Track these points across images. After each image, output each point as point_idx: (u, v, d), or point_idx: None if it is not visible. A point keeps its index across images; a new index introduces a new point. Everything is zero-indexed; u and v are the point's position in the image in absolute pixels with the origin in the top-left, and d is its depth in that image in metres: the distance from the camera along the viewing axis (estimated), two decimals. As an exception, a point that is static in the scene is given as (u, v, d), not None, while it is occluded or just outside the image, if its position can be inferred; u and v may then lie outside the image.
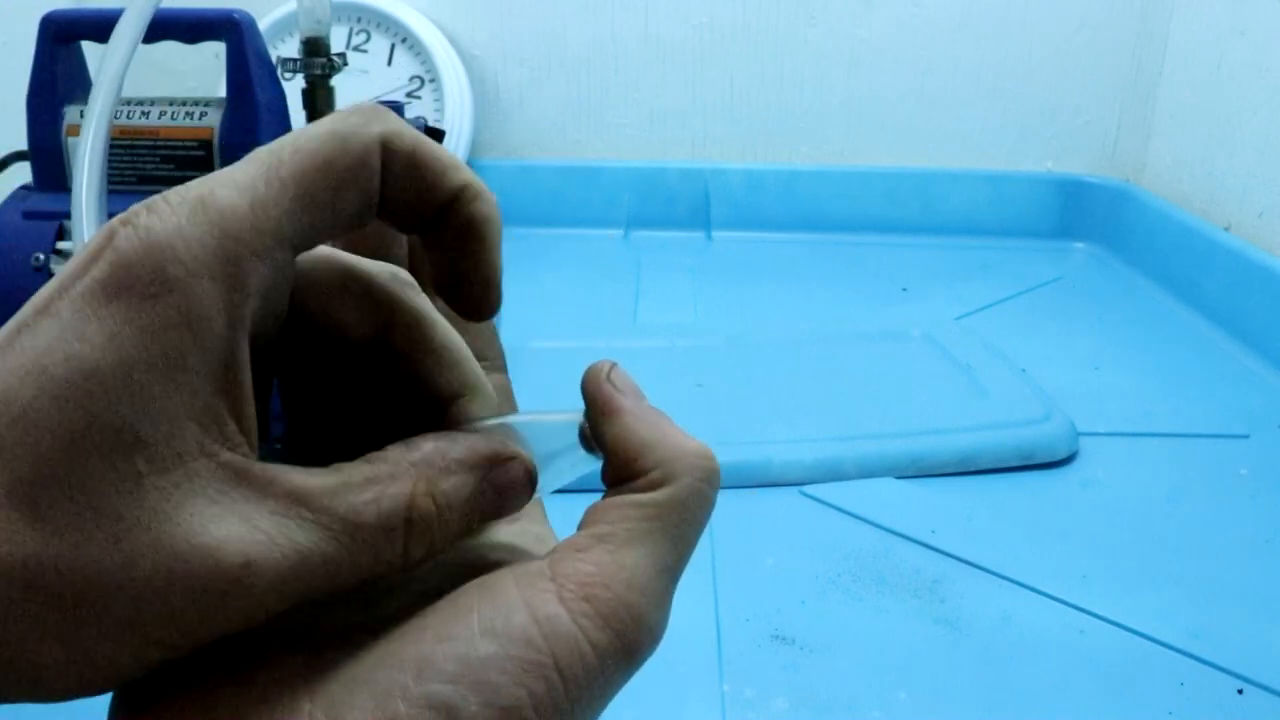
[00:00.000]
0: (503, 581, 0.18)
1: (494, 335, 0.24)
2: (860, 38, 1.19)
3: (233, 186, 0.16)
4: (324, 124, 0.18)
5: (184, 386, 0.15)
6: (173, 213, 0.16)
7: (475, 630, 0.17)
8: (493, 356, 0.24)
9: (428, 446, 0.18)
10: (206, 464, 0.16)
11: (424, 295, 0.20)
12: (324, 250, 0.20)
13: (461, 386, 0.20)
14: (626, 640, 0.17)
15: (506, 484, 0.19)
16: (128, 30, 0.50)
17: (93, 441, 0.15)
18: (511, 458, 0.19)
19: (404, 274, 0.20)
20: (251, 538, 0.16)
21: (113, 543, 0.15)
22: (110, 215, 0.51)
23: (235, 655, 0.17)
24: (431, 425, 0.19)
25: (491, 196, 0.19)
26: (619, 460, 0.19)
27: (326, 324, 0.20)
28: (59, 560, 0.15)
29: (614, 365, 0.21)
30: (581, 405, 0.20)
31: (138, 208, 0.16)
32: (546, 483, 0.20)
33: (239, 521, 0.16)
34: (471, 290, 0.20)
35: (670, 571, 0.19)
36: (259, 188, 0.16)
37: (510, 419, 0.20)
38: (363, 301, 0.19)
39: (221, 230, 0.16)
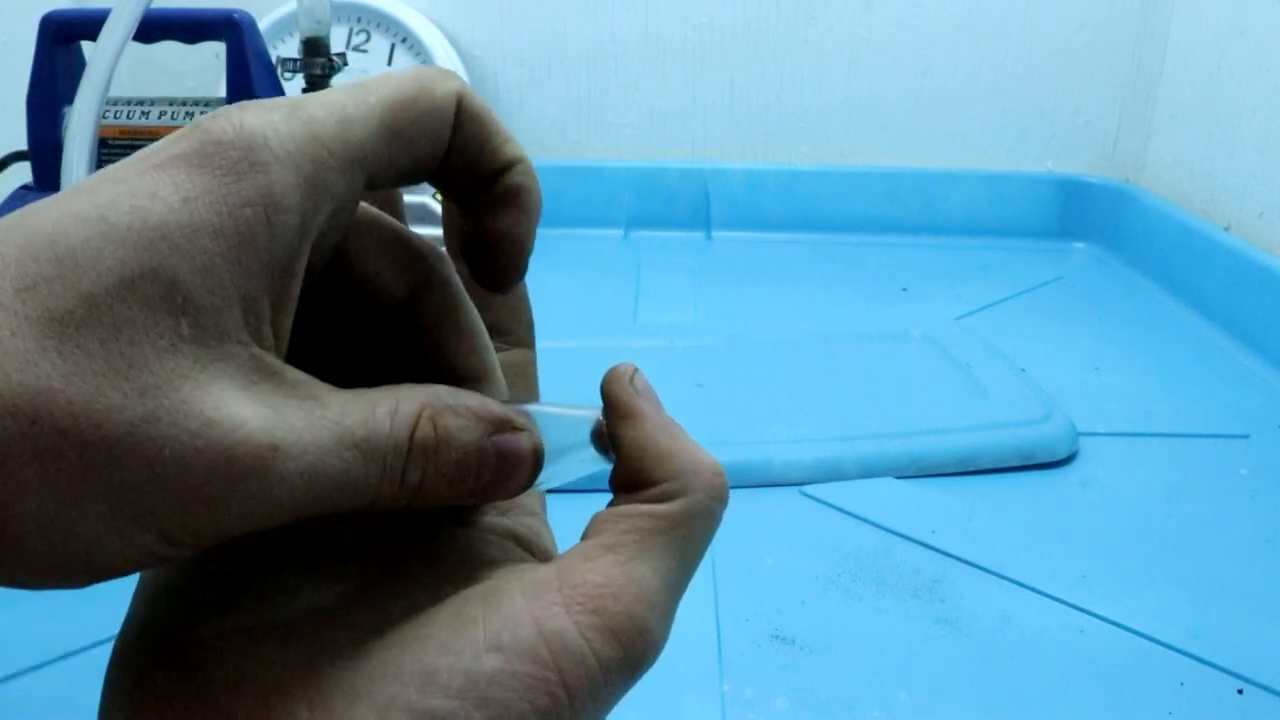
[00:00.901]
0: (508, 591, 0.17)
1: (525, 308, 0.24)
2: (860, 38, 1.19)
3: (322, 105, 0.17)
4: (406, 71, 0.18)
5: (245, 269, 0.15)
6: (265, 111, 0.16)
7: (480, 644, 0.16)
8: (522, 331, 0.24)
9: (440, 388, 0.18)
10: (242, 351, 0.15)
11: (458, 276, 0.21)
12: (373, 210, 0.20)
13: (478, 371, 0.20)
14: (632, 653, 0.17)
15: (511, 452, 0.18)
16: (116, 29, 0.50)
17: (142, 289, 0.14)
18: (521, 429, 0.19)
19: (442, 251, 0.21)
20: (280, 423, 0.15)
21: (138, 394, 0.14)
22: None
23: (234, 659, 0.16)
24: None
25: (537, 178, 0.20)
26: (633, 466, 0.19)
27: (363, 277, 0.20)
28: (75, 400, 0.14)
29: (636, 370, 0.21)
30: (594, 404, 0.20)
31: (228, 107, 0.16)
32: (551, 476, 0.20)
33: (267, 409, 0.15)
34: (499, 256, 0.20)
35: (676, 586, 0.19)
36: (348, 108, 0.17)
37: (526, 407, 0.20)
38: (403, 263, 0.20)
39: (311, 134, 0.16)
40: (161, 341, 0.14)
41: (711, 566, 0.56)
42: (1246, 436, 0.72)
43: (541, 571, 0.18)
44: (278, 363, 0.16)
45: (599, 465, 0.20)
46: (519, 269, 0.20)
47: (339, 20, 1.12)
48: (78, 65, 0.72)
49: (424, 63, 1.14)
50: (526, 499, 0.22)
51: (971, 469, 0.66)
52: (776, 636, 0.51)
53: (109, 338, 0.14)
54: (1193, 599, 0.54)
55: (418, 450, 0.17)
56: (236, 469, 0.14)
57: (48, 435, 0.13)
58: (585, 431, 0.20)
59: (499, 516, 0.21)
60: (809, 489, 0.64)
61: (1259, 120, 0.98)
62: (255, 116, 0.16)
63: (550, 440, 0.19)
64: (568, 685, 0.16)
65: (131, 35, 0.51)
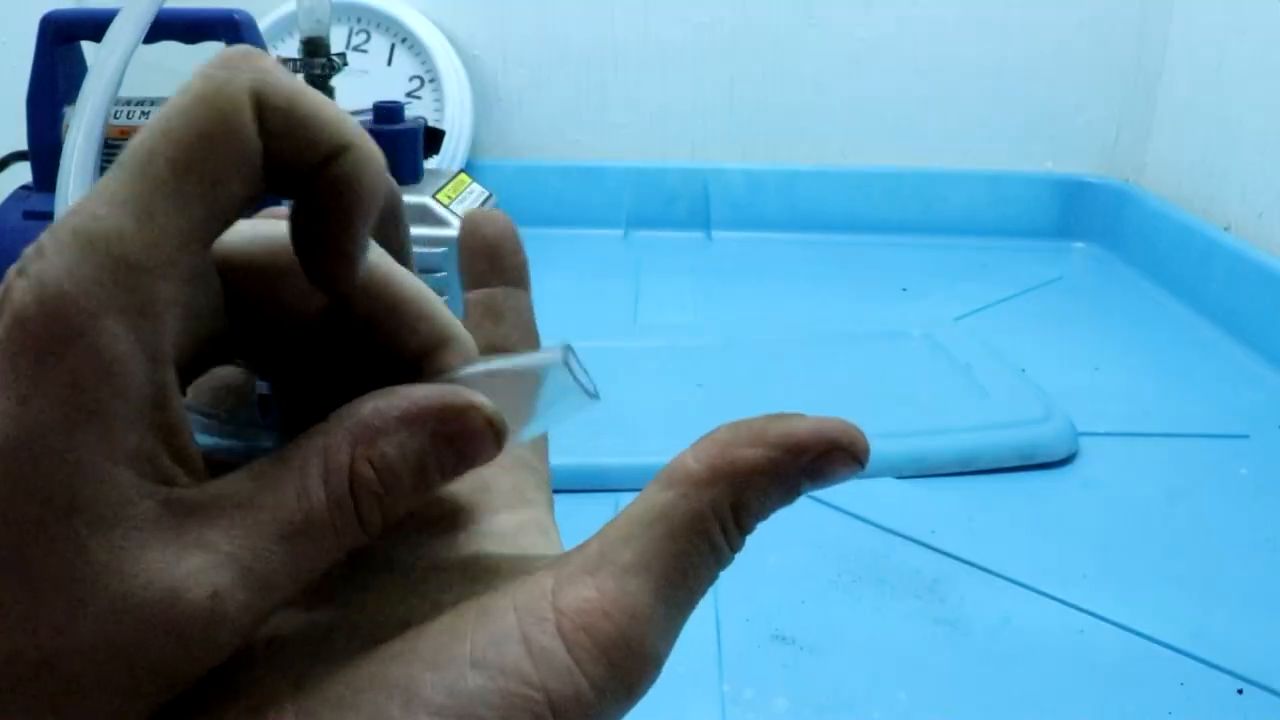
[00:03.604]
0: (501, 605, 0.17)
1: (526, 314, 0.24)
2: (860, 38, 1.19)
3: (112, 202, 0.15)
4: (190, 88, 0.15)
5: (111, 436, 0.14)
6: (59, 252, 0.14)
7: (467, 659, 0.16)
8: (523, 332, 0.23)
9: (366, 408, 0.17)
10: (149, 505, 0.15)
11: (376, 249, 0.19)
12: (251, 227, 0.18)
13: (434, 338, 0.19)
14: (624, 673, 0.16)
15: (462, 437, 0.17)
16: (123, 33, 0.50)
17: (24, 515, 0.14)
18: (464, 409, 0.17)
19: None
20: (212, 564, 0.15)
21: (76, 609, 0.14)
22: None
23: (227, 667, 0.16)
24: (409, 381, 0.18)
25: (376, 161, 0.17)
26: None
27: (274, 305, 0.18)
28: (26, 640, 0.14)
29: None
30: (562, 340, 0.19)
31: (29, 252, 0.14)
32: (531, 427, 0.19)
33: (196, 551, 0.15)
34: (325, 255, 0.17)
35: (679, 601, 0.18)
36: (139, 194, 0.15)
37: (488, 365, 0.19)
38: (303, 276, 0.18)
39: (114, 259, 0.14)
40: (69, 551, 0.14)
41: (711, 566, 0.56)
42: (1246, 436, 0.72)
43: (538, 583, 0.17)
44: (188, 492, 0.15)
45: (585, 405, 0.19)
46: (351, 267, 0.17)
47: (339, 20, 1.12)
48: (78, 65, 0.72)
49: (424, 63, 1.14)
50: (526, 489, 0.22)
51: (971, 469, 0.66)
52: (776, 636, 0.51)
53: (22, 571, 0.14)
54: (1193, 599, 0.54)
55: (363, 494, 0.16)
56: (191, 629, 0.15)
57: (25, 675, 0.14)
58: (554, 372, 0.19)
59: (502, 513, 0.21)
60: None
61: (1259, 120, 0.98)
62: (52, 265, 0.14)
63: (518, 392, 0.19)
64: (554, 705, 0.16)
65: (141, 39, 0.51)
